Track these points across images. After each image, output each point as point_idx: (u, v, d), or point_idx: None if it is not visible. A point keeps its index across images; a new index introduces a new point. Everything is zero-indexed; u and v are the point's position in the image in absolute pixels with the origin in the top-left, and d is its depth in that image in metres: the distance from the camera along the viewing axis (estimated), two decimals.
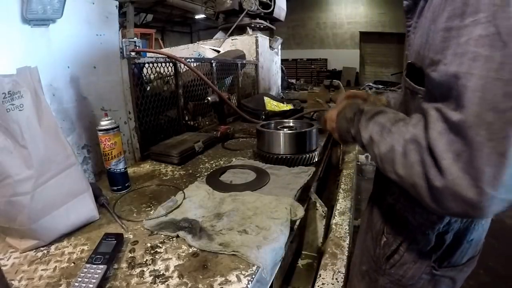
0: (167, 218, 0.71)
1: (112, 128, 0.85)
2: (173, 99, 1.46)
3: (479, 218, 0.55)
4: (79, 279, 0.50)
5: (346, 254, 0.90)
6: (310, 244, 1.19)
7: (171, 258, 0.58)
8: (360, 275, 0.74)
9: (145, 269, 0.56)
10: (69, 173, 0.68)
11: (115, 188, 0.89)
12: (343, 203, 1.22)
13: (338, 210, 1.16)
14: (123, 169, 0.89)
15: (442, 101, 0.40)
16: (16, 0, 0.74)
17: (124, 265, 0.57)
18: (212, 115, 1.87)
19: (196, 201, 0.79)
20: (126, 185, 0.91)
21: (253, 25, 2.75)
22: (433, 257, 0.59)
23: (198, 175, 1.02)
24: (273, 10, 2.83)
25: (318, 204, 1.13)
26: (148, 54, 1.40)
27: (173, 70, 1.43)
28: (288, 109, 2.01)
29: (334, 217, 1.11)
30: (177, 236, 0.65)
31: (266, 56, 2.67)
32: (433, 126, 0.40)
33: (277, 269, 0.64)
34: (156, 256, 0.59)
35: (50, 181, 0.64)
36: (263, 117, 1.84)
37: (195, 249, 0.61)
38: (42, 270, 0.56)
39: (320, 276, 0.82)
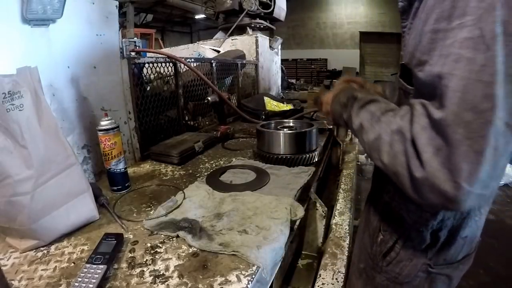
0: (167, 218, 0.71)
1: (112, 128, 0.85)
2: (173, 99, 1.46)
3: (456, 211, 0.56)
4: (79, 279, 0.50)
5: (346, 254, 0.90)
6: (310, 244, 1.19)
7: (171, 258, 0.58)
8: (358, 272, 0.75)
9: (145, 269, 0.56)
10: (69, 173, 0.68)
11: (115, 188, 0.89)
12: (343, 203, 1.23)
13: (338, 210, 1.16)
14: (123, 169, 0.89)
15: (429, 99, 0.42)
16: (16, 0, 0.74)
17: (124, 265, 0.57)
18: (212, 115, 1.87)
19: (196, 201, 0.79)
20: (126, 185, 0.91)
21: (253, 25, 2.75)
22: (428, 254, 0.60)
23: (198, 175, 1.02)
24: (273, 10, 2.83)
25: (318, 204, 1.13)
26: (148, 54, 1.40)
27: (173, 70, 1.43)
28: (288, 109, 2.01)
29: (334, 217, 1.11)
30: (177, 236, 0.65)
31: (266, 56, 2.67)
32: (417, 120, 0.42)
33: (277, 269, 0.64)
34: (156, 256, 0.59)
35: (50, 181, 0.64)
36: (263, 117, 1.84)
37: (195, 249, 0.61)
38: (42, 270, 0.56)
39: (320, 276, 0.82)
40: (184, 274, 0.54)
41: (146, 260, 0.58)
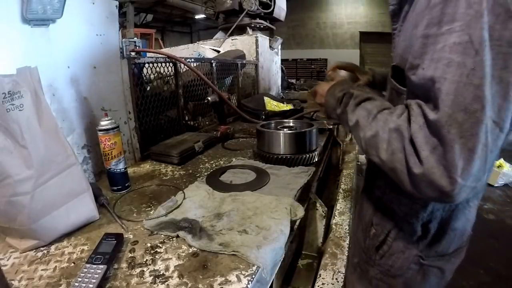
0: (167, 218, 0.71)
1: (112, 128, 0.85)
2: (173, 99, 1.46)
3: (451, 203, 0.57)
4: (79, 279, 0.50)
5: (346, 254, 0.90)
6: (310, 244, 1.19)
7: (171, 258, 0.58)
8: (352, 267, 0.77)
9: (145, 269, 0.56)
10: (69, 173, 0.68)
11: (115, 188, 0.89)
12: (343, 203, 1.23)
13: (338, 210, 1.16)
14: (123, 169, 0.89)
15: (423, 100, 0.44)
16: (16, 0, 0.74)
17: (124, 265, 0.57)
18: (212, 115, 1.87)
19: (196, 201, 0.79)
20: (126, 185, 0.91)
21: (253, 25, 2.75)
22: (420, 246, 0.61)
23: (198, 175, 1.02)
24: (273, 10, 2.83)
25: (318, 204, 1.13)
26: (148, 54, 1.40)
27: (173, 70, 1.43)
28: (288, 109, 2.01)
29: (334, 217, 1.11)
30: (177, 236, 0.65)
31: (266, 56, 2.67)
32: (414, 119, 0.44)
33: (277, 269, 0.64)
34: (156, 256, 0.59)
35: (50, 181, 0.64)
36: (263, 117, 1.84)
37: (195, 249, 0.61)
38: (42, 270, 0.56)
39: (320, 276, 0.82)
40: (184, 274, 0.54)
41: (146, 260, 0.58)
